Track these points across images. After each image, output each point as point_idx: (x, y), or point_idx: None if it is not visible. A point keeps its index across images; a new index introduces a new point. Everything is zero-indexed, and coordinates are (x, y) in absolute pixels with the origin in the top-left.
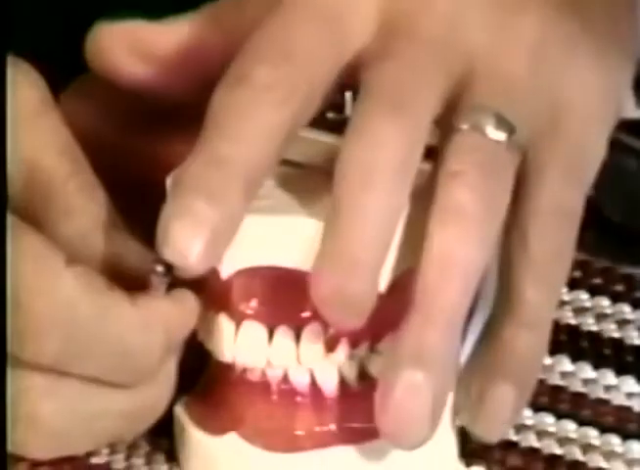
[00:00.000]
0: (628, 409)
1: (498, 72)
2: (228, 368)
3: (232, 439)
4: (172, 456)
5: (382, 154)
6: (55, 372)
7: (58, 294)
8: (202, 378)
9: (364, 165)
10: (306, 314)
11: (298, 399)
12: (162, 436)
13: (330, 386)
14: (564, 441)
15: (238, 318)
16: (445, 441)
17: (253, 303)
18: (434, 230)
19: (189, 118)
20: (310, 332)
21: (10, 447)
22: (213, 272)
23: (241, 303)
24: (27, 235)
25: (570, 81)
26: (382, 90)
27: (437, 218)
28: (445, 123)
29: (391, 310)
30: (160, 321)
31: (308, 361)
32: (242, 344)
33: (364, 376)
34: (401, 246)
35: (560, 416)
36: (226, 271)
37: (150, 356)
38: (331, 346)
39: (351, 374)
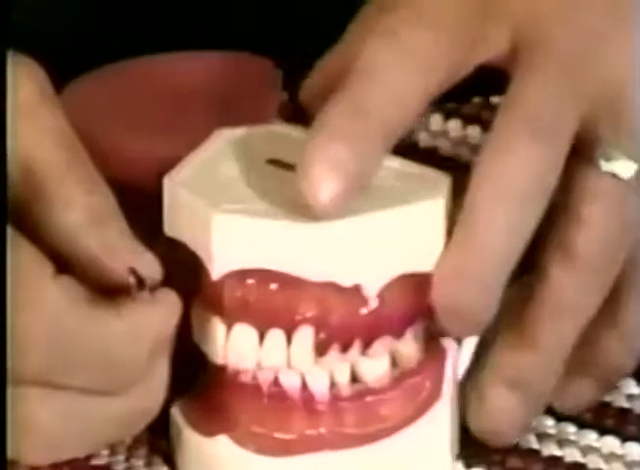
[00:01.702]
0: (628, 411)
1: (631, 108)
2: (221, 370)
3: (224, 441)
4: (171, 458)
5: (522, 174)
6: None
7: (43, 307)
8: (198, 379)
9: (502, 182)
10: (298, 317)
11: (289, 402)
12: (162, 437)
13: (321, 390)
14: (563, 442)
15: (229, 320)
16: (439, 446)
17: (244, 305)
18: (556, 275)
19: (177, 126)
20: (301, 335)
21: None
22: (205, 274)
23: (232, 304)
24: (16, 245)
25: None
26: (527, 109)
27: (560, 263)
28: (577, 149)
29: (383, 315)
30: (145, 328)
31: (299, 364)
32: (233, 346)
33: (355, 380)
34: (396, 251)
35: (560, 419)
36: (217, 272)
37: (136, 364)
38: (322, 350)
39: (343, 378)
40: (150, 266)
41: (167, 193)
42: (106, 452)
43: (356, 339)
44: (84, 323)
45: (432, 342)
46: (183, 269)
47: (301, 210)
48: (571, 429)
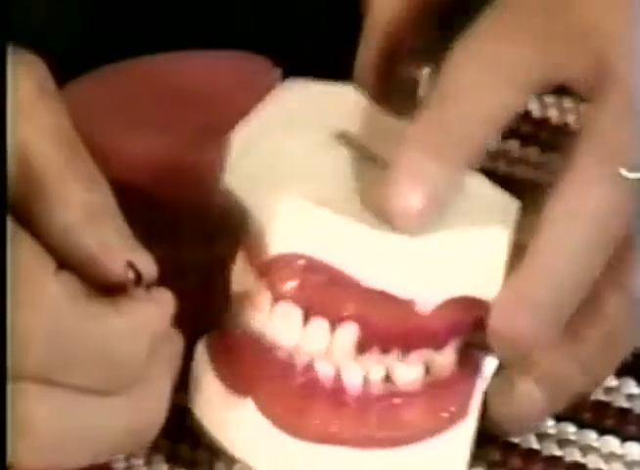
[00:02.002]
0: (628, 411)
1: None
2: (258, 336)
3: (247, 403)
4: (172, 457)
5: (598, 206)
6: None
7: (43, 303)
8: (229, 320)
9: (576, 215)
10: (345, 313)
11: (319, 389)
12: (162, 437)
13: (354, 384)
14: (563, 442)
15: (277, 294)
16: (456, 465)
17: (294, 284)
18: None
19: (177, 125)
20: (345, 330)
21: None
22: (264, 243)
23: (283, 280)
24: (18, 241)
25: None
26: (605, 142)
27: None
28: None
29: (432, 329)
30: (143, 326)
31: (338, 357)
32: (276, 320)
33: (387, 379)
34: (456, 273)
35: (560, 419)
36: (277, 249)
37: (135, 362)
38: (362, 348)
39: (376, 376)
40: (146, 265)
41: (237, 143)
42: None
43: (399, 344)
44: (84, 320)
45: (466, 353)
46: (188, 267)
47: (377, 214)
48: (570, 429)
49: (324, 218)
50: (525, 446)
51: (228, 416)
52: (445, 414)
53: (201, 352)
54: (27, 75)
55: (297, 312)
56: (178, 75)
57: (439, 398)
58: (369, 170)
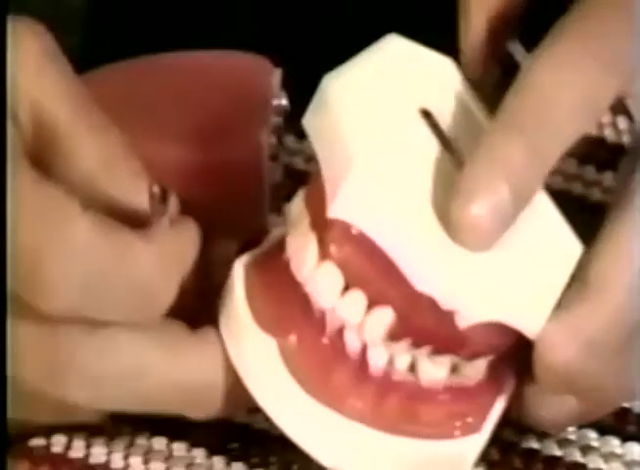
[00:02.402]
0: (628, 411)
1: None
2: (298, 283)
3: (271, 343)
4: (170, 455)
5: None
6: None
7: (75, 241)
8: (269, 248)
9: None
10: (385, 298)
11: (345, 358)
12: (161, 435)
13: (377, 366)
14: (563, 442)
15: (325, 253)
16: (462, 461)
17: (344, 250)
18: None
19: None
20: (382, 313)
21: (52, 391)
22: (325, 200)
23: (334, 242)
24: (41, 184)
25: None
26: None
27: None
28: None
29: (465, 342)
30: (172, 255)
31: (368, 336)
32: (318, 277)
33: (412, 371)
34: (504, 300)
35: None
36: (335, 215)
37: (166, 291)
38: (395, 336)
39: (401, 365)
40: (167, 197)
41: (325, 87)
42: (104, 451)
43: (432, 343)
44: (116, 253)
45: (496, 369)
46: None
47: (444, 222)
48: (570, 428)
49: (389, 207)
50: (525, 445)
51: (251, 349)
52: (459, 423)
53: (237, 272)
54: (33, 38)
55: (338, 278)
56: (178, 75)
57: (458, 404)
58: (443, 162)
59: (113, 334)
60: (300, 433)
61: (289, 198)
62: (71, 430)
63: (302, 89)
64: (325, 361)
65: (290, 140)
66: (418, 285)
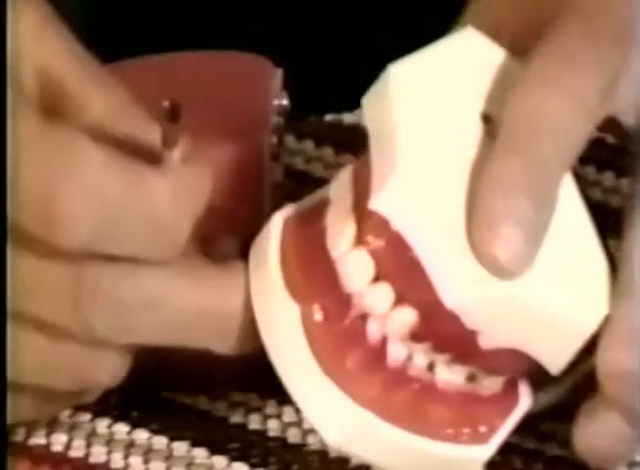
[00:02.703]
0: None
1: None
2: (330, 258)
3: (293, 309)
4: (170, 455)
5: None
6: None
7: (88, 174)
8: (312, 207)
9: None
10: (411, 300)
11: (365, 344)
12: (161, 434)
13: (395, 359)
14: (564, 443)
15: (362, 240)
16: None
17: (382, 244)
18: None
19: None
20: (405, 313)
21: (76, 323)
22: (370, 187)
23: (371, 232)
24: (50, 124)
25: None
26: None
27: None
28: None
29: (484, 360)
30: (187, 188)
31: (391, 332)
32: (350, 260)
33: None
34: (534, 334)
35: (560, 419)
36: (376, 207)
37: (182, 226)
38: (416, 337)
39: (420, 363)
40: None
41: (389, 75)
42: (104, 450)
43: (453, 351)
44: (129, 186)
45: (513, 384)
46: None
47: (476, 255)
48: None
49: (428, 215)
50: (525, 446)
51: (274, 308)
52: (467, 430)
53: (276, 224)
54: (32, 7)
55: (370, 267)
56: (177, 75)
57: (469, 410)
58: None
59: (134, 264)
60: (308, 404)
61: (289, 198)
62: (72, 429)
63: (303, 89)
64: (344, 341)
65: (290, 140)
66: (446, 300)
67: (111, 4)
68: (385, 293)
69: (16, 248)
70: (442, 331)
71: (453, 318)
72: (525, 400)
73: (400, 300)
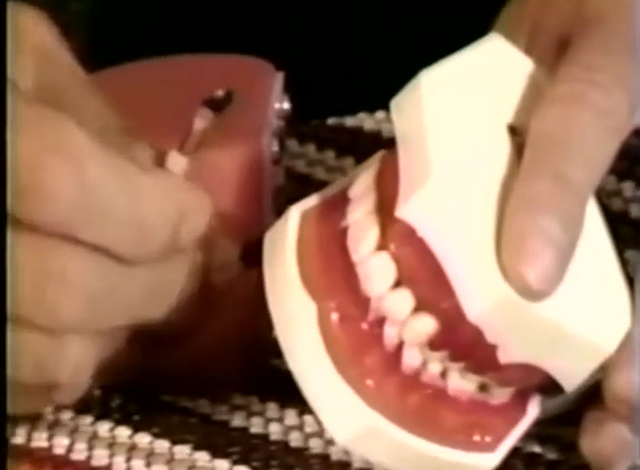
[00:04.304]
0: None
1: None
2: (350, 259)
3: (310, 306)
4: (172, 458)
5: None
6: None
7: (69, 150)
8: (330, 201)
9: None
10: (432, 308)
11: (380, 347)
12: (163, 437)
13: (410, 365)
14: (566, 446)
15: (385, 245)
16: None
17: (407, 251)
18: None
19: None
20: (425, 321)
21: (41, 311)
22: (396, 194)
23: (398, 240)
24: (37, 104)
25: None
26: None
27: None
28: None
29: (501, 373)
30: (174, 193)
31: (408, 339)
32: (371, 263)
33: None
34: (553, 354)
35: (560, 422)
36: (409, 217)
37: (161, 230)
38: (433, 345)
39: (434, 368)
40: None
41: (421, 82)
42: (106, 453)
43: (468, 361)
44: (113, 172)
45: (523, 394)
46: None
47: (505, 274)
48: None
49: (457, 227)
50: (526, 450)
51: (290, 304)
52: (476, 437)
53: (293, 218)
54: (36, 24)
55: (392, 272)
56: (179, 78)
57: (479, 418)
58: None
59: (104, 255)
60: (319, 401)
61: (290, 201)
62: (73, 431)
63: (304, 93)
64: (360, 343)
65: (292, 144)
66: (469, 314)
67: (114, 8)
68: (405, 299)
69: None
70: (461, 342)
71: (474, 331)
72: (532, 411)
73: (420, 307)
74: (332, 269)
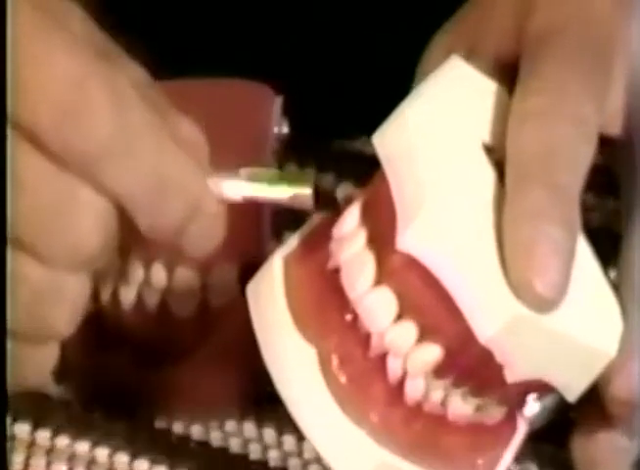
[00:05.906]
0: None
1: None
2: (344, 292)
3: (309, 352)
4: (175, 461)
5: None
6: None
7: (116, 88)
8: (311, 242)
9: None
10: (438, 335)
11: (381, 376)
12: (163, 439)
13: (413, 394)
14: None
15: (384, 278)
16: None
17: (408, 281)
18: None
19: None
20: (431, 349)
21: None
22: (393, 230)
23: (399, 272)
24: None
25: None
26: None
27: None
28: None
29: (506, 392)
30: (198, 179)
31: (412, 370)
32: (371, 299)
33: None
34: (557, 366)
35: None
36: (410, 247)
37: (177, 204)
38: (438, 373)
39: (436, 396)
40: None
41: (403, 113)
42: (106, 452)
43: (468, 386)
44: (150, 126)
45: (515, 410)
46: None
47: (511, 285)
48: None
49: (461, 251)
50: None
51: (288, 354)
52: (480, 461)
53: (277, 267)
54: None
55: (393, 305)
56: (178, 103)
57: (478, 440)
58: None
59: (32, 256)
60: (328, 448)
61: (288, 224)
62: (70, 459)
63: (303, 117)
64: (363, 380)
65: (291, 168)
66: (481, 336)
67: (111, 32)
68: (408, 331)
69: None
70: (468, 365)
71: (483, 353)
72: (522, 426)
73: (424, 336)
74: (326, 310)
